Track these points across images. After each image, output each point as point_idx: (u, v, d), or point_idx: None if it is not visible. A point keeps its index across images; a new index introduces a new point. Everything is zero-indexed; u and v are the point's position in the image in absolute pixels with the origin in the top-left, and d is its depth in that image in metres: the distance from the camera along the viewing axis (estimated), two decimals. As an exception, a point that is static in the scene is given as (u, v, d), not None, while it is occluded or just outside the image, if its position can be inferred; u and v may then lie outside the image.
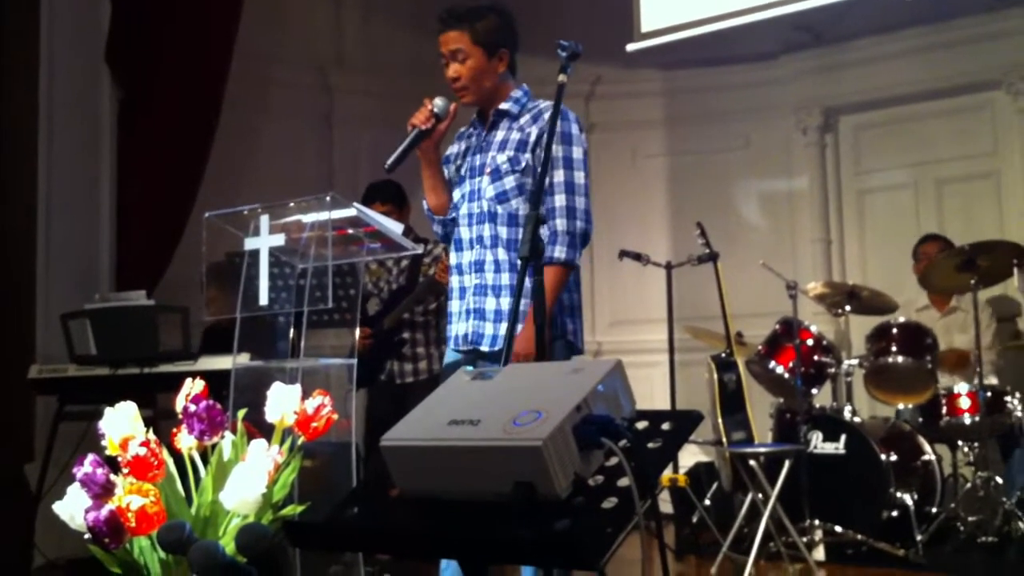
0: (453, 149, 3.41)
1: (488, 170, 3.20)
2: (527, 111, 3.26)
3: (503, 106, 3.26)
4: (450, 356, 3.31)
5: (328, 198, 2.81)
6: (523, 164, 3.17)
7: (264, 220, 2.89)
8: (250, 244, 2.91)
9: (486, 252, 3.18)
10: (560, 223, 3.10)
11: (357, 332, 3.73)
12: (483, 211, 3.20)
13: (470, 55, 3.20)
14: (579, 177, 3.14)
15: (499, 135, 3.24)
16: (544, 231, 3.01)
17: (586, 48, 2.86)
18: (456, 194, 3.30)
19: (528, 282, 2.54)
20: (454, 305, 3.29)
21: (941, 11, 6.27)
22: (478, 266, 3.19)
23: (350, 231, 2.94)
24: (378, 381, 5.08)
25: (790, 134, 7.26)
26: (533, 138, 3.18)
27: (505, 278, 3.16)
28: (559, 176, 3.13)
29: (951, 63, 6.57)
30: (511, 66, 3.31)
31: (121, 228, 5.53)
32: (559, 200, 3.12)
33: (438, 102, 3.16)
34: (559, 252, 3.08)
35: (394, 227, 3.08)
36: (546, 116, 3.19)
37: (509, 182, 3.17)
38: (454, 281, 3.29)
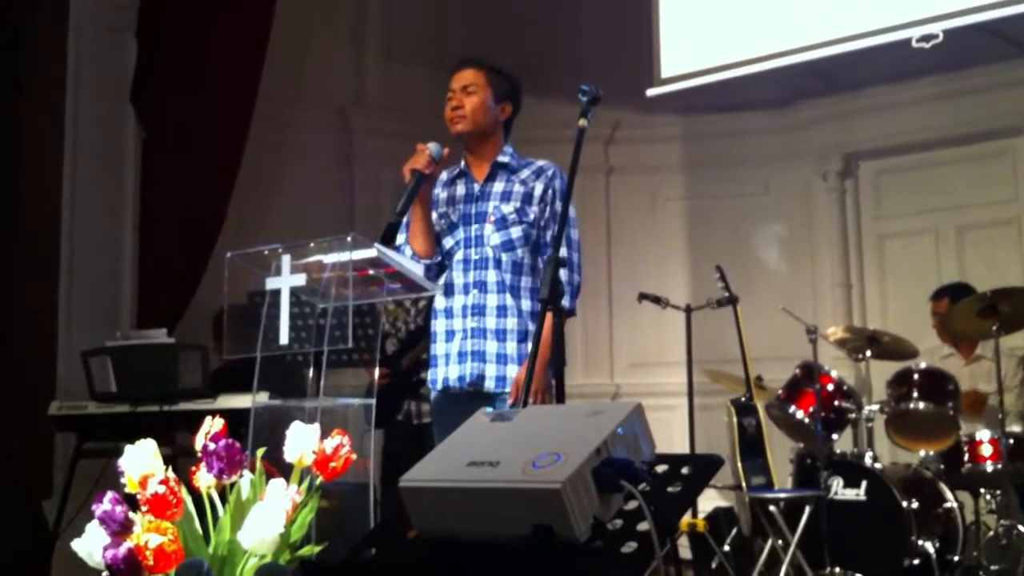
0: (438, 195, 3.44)
1: (492, 219, 3.31)
2: (525, 167, 3.38)
3: (502, 159, 3.38)
4: (436, 398, 3.40)
5: (349, 238, 2.82)
6: (531, 216, 3.30)
7: (286, 260, 2.90)
8: (271, 284, 2.92)
9: (487, 296, 3.29)
10: (569, 276, 3.26)
11: (376, 372, 3.72)
12: (485, 257, 3.31)
13: (479, 91, 3.33)
14: (576, 234, 3.35)
15: (498, 186, 3.35)
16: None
17: (606, 93, 2.90)
18: (448, 240, 3.37)
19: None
20: (440, 348, 3.36)
21: (959, 59, 6.27)
22: (477, 310, 3.29)
23: (371, 272, 2.94)
24: (395, 421, 5.07)
25: (810, 179, 7.27)
26: (539, 192, 3.32)
27: (511, 323, 3.27)
28: (566, 230, 3.28)
29: (971, 110, 6.58)
30: (508, 124, 3.42)
31: (143, 266, 5.56)
32: (570, 254, 3.29)
33: (432, 147, 3.22)
34: (572, 303, 3.27)
35: (414, 268, 3.09)
36: (548, 173, 3.35)
37: (516, 232, 3.30)
38: (440, 325, 3.37)
